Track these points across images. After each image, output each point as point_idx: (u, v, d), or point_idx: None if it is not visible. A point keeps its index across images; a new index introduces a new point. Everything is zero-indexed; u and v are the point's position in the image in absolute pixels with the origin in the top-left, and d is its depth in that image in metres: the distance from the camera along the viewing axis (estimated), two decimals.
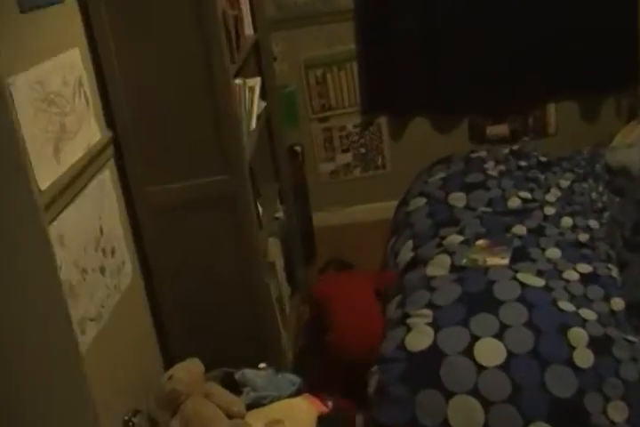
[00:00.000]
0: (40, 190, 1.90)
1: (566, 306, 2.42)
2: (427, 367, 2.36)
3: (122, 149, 2.38)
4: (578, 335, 2.32)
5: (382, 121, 4.10)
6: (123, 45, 2.24)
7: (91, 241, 2.20)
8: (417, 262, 2.89)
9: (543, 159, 3.49)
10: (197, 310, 2.62)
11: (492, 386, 2.28)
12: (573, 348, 2.30)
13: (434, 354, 2.37)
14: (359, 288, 3.01)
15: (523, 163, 3.43)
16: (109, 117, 2.36)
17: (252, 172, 2.76)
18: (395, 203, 3.53)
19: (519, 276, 2.54)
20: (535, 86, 3.95)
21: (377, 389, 2.42)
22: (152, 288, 2.62)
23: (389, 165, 4.19)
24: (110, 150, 2.37)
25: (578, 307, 2.42)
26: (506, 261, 2.64)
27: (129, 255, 2.49)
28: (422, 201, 3.24)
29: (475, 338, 2.36)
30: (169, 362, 2.62)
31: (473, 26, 3.84)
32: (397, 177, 3.95)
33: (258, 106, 2.92)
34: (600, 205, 3.18)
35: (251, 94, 2.86)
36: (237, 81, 2.66)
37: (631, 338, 2.35)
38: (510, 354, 2.31)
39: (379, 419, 2.36)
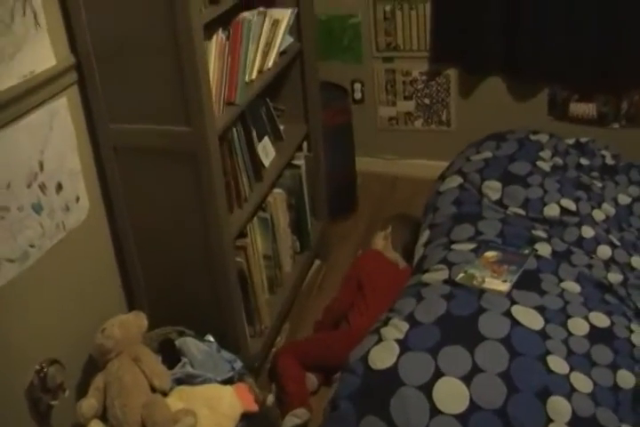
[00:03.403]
0: None
1: (558, 365, 1.80)
2: (379, 392, 1.86)
3: (85, 79, 1.88)
4: (559, 407, 1.73)
5: (452, 73, 3.31)
6: None
7: (21, 177, 1.76)
8: (421, 264, 2.32)
9: (610, 162, 2.68)
10: (159, 262, 2.16)
11: None
12: (550, 421, 1.72)
13: (390, 379, 1.85)
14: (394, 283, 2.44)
15: (584, 161, 2.65)
16: (74, 43, 1.85)
17: (245, 118, 2.22)
18: None
19: (515, 309, 1.93)
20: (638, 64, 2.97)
21: (331, 399, 1.95)
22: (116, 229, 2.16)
23: (454, 123, 3.44)
24: (70, 78, 1.88)
25: (572, 369, 1.80)
26: (505, 288, 2.00)
27: (87, 192, 2.02)
28: (457, 181, 2.56)
29: (439, 374, 1.81)
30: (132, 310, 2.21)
31: None
32: (461, 138, 3.15)
33: (282, 41, 2.32)
34: None
35: (274, 28, 2.25)
36: (246, 14, 2.07)
37: None
38: (473, 406, 1.76)
39: None
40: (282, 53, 2.40)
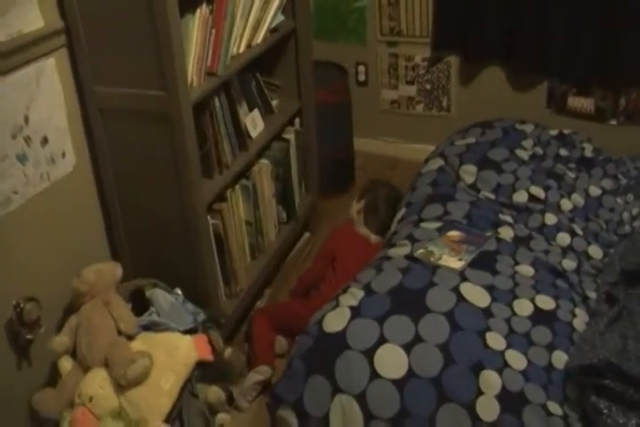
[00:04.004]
0: None
1: (495, 342, 1.85)
2: (326, 354, 1.93)
3: (73, 43, 1.96)
4: (490, 380, 1.79)
5: (453, 60, 3.32)
6: None
7: (6, 129, 1.85)
8: (391, 239, 2.37)
9: (589, 154, 2.68)
10: (139, 218, 2.23)
11: (379, 399, 1.84)
12: (481, 393, 1.78)
13: (338, 342, 1.93)
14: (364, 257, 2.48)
15: (564, 152, 2.65)
16: (64, 9, 1.94)
17: (229, 88, 2.29)
18: None
19: (464, 286, 1.97)
20: (638, 61, 2.92)
21: (289, 358, 2.05)
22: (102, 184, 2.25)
23: (454, 109, 3.44)
24: (59, 41, 1.96)
25: (509, 347, 1.84)
26: (459, 265, 2.05)
27: (73, 148, 2.11)
28: (438, 164, 2.59)
29: (382, 340, 1.88)
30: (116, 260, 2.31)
31: None
32: (461, 124, 3.08)
33: (273, 18, 2.37)
34: (627, 230, 2.38)
35: (265, 6, 2.30)
36: None
37: (552, 407, 1.75)
38: (411, 372, 1.83)
39: (274, 389, 2.02)
40: (273, 31, 2.45)
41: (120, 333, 2.03)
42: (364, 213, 2.78)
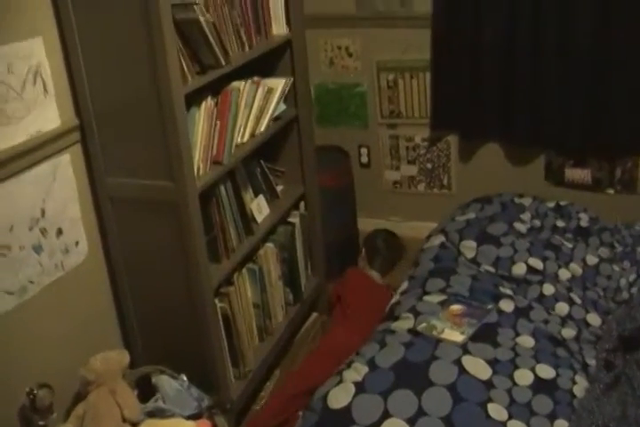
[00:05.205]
0: None
1: (498, 412, 1.95)
2: None
3: (86, 138, 2.19)
4: None
5: (452, 139, 3.55)
6: (88, 44, 2.07)
7: (23, 221, 2.04)
8: (393, 310, 2.52)
9: (585, 224, 2.85)
10: (150, 303, 2.39)
11: None
12: None
13: (343, 418, 2.04)
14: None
15: (560, 223, 2.83)
16: (79, 108, 2.17)
17: (234, 175, 2.50)
18: None
19: (465, 359, 2.09)
20: (631, 132, 3.12)
21: None
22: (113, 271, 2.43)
23: (455, 186, 3.65)
24: (74, 137, 2.18)
25: (511, 417, 1.95)
26: (461, 339, 2.17)
27: (86, 238, 2.30)
28: (439, 240, 2.76)
29: (386, 415, 1.99)
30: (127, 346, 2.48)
31: (564, 47, 3.08)
32: (462, 201, 3.29)
33: (275, 108, 2.60)
34: (625, 296, 2.51)
35: (268, 95, 2.54)
36: (236, 84, 2.37)
37: None
38: None
39: None
40: (276, 119, 2.68)
41: (125, 420, 2.13)
42: (367, 256, 3.21)
